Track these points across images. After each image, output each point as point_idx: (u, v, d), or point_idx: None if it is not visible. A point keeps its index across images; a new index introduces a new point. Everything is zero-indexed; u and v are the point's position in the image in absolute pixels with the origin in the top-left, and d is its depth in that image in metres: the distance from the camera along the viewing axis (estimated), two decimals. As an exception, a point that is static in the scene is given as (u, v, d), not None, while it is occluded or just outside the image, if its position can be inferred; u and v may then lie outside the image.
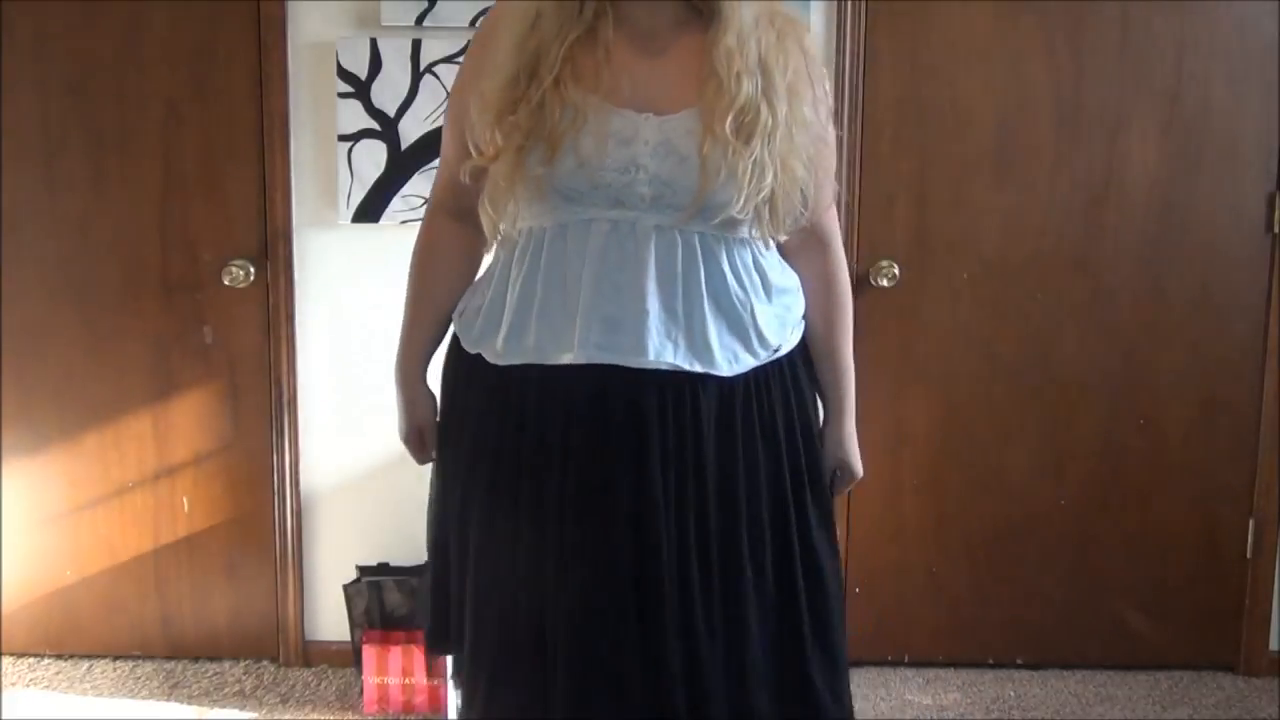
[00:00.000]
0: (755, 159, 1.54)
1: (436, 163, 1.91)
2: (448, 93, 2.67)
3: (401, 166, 2.86)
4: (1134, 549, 3.08)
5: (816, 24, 2.85)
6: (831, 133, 1.70)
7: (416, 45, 2.83)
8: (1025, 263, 2.98)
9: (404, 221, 2.86)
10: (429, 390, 1.84)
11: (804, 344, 1.76)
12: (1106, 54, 2.90)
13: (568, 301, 1.59)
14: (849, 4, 2.85)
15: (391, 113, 2.86)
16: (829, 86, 1.69)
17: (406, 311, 1.82)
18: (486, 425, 1.68)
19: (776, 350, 1.68)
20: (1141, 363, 3.01)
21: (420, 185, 2.83)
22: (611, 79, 1.57)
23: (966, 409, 3.03)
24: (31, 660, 3.12)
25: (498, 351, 1.65)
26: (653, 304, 1.57)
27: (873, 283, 2.94)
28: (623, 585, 1.60)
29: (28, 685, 3.01)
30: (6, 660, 3.10)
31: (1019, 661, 3.13)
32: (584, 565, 1.61)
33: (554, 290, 1.60)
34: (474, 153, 1.62)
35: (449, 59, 2.82)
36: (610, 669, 1.61)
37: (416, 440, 1.85)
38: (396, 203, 2.87)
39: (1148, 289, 2.99)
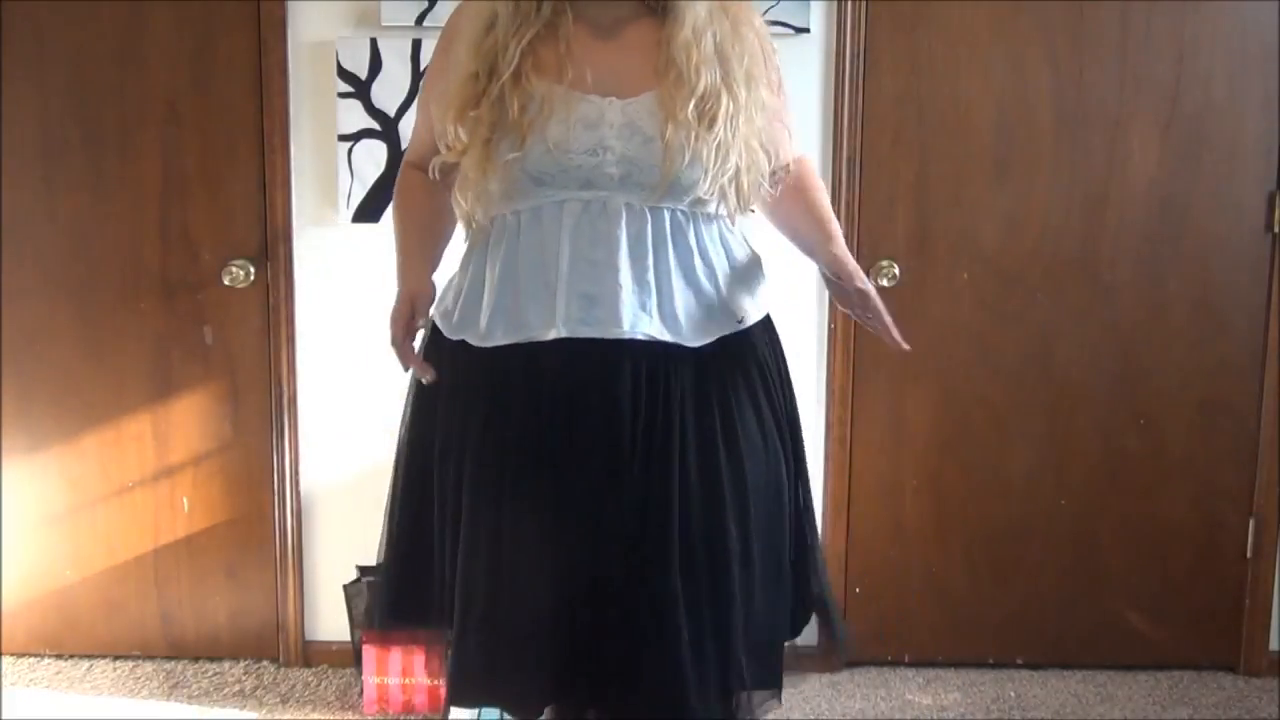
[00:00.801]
0: (719, 142, 1.62)
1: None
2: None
3: (401, 166, 2.86)
4: (1134, 549, 3.08)
5: (816, 24, 2.85)
6: (784, 101, 1.78)
7: (416, 45, 2.83)
8: (1025, 263, 2.98)
9: (404, 221, 2.86)
10: (430, 278, 1.77)
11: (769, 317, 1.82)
12: (1106, 54, 2.90)
13: (547, 280, 1.64)
14: (849, 4, 2.85)
15: (391, 113, 2.86)
16: (778, 61, 1.76)
17: (397, 243, 1.79)
18: (472, 409, 1.70)
19: (741, 322, 1.73)
20: (1141, 363, 3.01)
21: (420, 185, 2.83)
22: (574, 69, 1.64)
23: (966, 409, 3.03)
24: (31, 660, 3.12)
25: (482, 334, 1.68)
26: (625, 279, 1.63)
27: (873, 282, 2.94)
28: (590, 563, 1.65)
29: (28, 685, 3.01)
30: (6, 660, 3.10)
31: (1019, 661, 3.13)
32: (556, 544, 1.65)
33: (533, 270, 1.65)
34: (442, 150, 1.69)
35: (449, 59, 2.82)
36: (576, 644, 1.65)
37: (406, 312, 1.72)
38: (396, 203, 2.87)
39: (1148, 289, 2.99)
